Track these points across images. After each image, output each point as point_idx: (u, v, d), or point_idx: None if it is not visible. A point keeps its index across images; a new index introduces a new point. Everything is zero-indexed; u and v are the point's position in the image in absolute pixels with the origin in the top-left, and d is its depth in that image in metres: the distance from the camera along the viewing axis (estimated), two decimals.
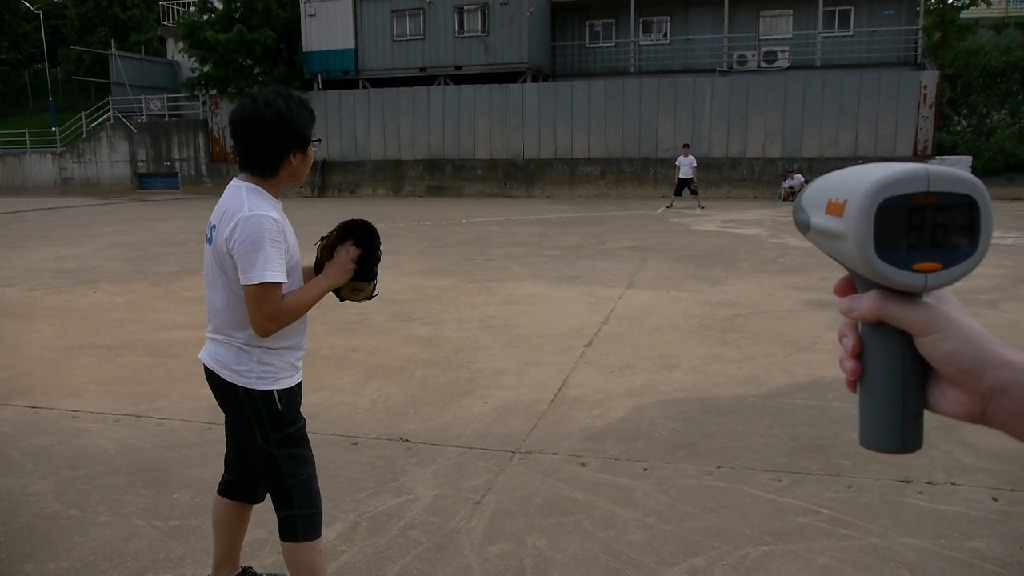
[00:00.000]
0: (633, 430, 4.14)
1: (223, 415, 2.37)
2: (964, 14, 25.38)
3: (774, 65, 24.33)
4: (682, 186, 19.19)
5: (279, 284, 2.08)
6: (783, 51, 24.45)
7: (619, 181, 24.70)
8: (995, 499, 3.26)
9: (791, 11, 24.93)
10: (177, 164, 29.25)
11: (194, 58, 26.78)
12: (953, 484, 3.41)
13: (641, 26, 26.05)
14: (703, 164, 21.68)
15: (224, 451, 2.52)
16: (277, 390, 2.20)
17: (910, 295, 0.58)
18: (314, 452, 2.32)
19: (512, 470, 3.63)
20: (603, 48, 26.69)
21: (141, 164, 29.75)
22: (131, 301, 8.02)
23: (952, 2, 24.61)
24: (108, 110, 30.35)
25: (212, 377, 2.25)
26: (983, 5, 26.41)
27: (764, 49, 24.68)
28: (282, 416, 2.21)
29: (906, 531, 2.99)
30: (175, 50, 32.63)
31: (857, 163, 0.59)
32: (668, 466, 3.66)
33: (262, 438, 2.21)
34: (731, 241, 12.70)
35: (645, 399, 4.65)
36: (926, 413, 0.63)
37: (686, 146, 19.67)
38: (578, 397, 4.70)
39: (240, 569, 2.61)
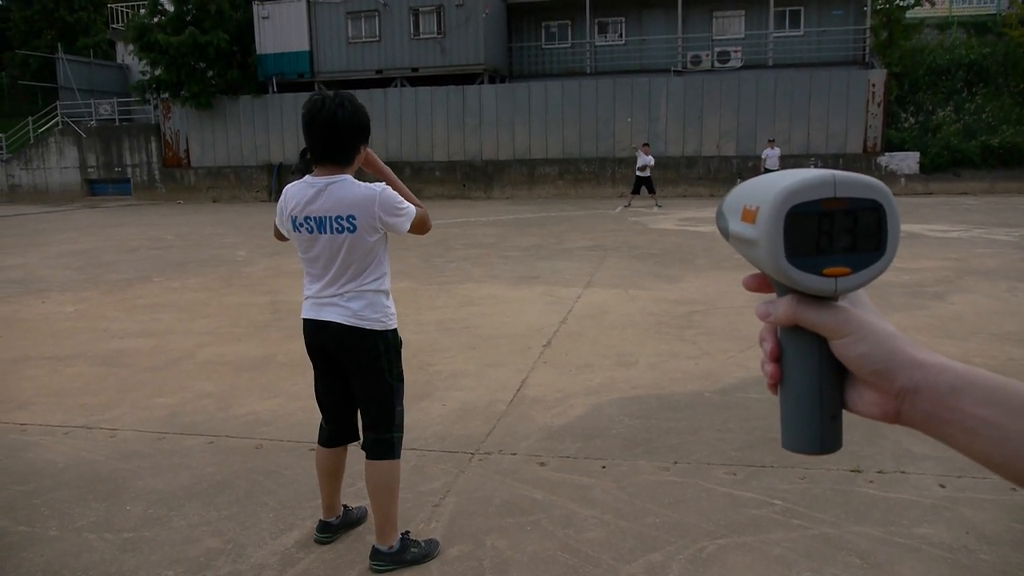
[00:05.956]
0: (591, 428, 4.17)
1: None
2: (909, 14, 25.94)
3: (727, 65, 24.65)
4: (639, 184, 19.34)
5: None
6: (736, 51, 24.79)
7: (577, 181, 24.81)
8: (942, 486, 3.35)
9: (743, 12, 25.28)
10: (129, 170, 28.59)
11: (145, 61, 26.23)
12: (902, 472, 3.49)
13: (596, 27, 26.18)
14: (660, 164, 21.88)
15: (321, 416, 2.92)
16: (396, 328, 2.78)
17: (823, 299, 0.60)
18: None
19: (471, 471, 3.63)
20: (559, 49, 26.77)
21: (91, 170, 29.03)
22: (81, 310, 7.85)
23: (898, 2, 25.13)
24: (56, 115, 29.59)
25: (342, 332, 2.65)
26: (928, 5, 27.02)
27: (717, 49, 24.99)
28: (400, 349, 2.79)
29: (857, 520, 3.06)
30: (125, 53, 31.93)
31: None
32: (626, 463, 3.69)
33: (388, 372, 2.70)
34: (688, 239, 12.85)
35: (603, 397, 4.69)
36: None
37: (646, 145, 19.83)
38: (537, 397, 4.72)
39: (343, 509, 3.06)
